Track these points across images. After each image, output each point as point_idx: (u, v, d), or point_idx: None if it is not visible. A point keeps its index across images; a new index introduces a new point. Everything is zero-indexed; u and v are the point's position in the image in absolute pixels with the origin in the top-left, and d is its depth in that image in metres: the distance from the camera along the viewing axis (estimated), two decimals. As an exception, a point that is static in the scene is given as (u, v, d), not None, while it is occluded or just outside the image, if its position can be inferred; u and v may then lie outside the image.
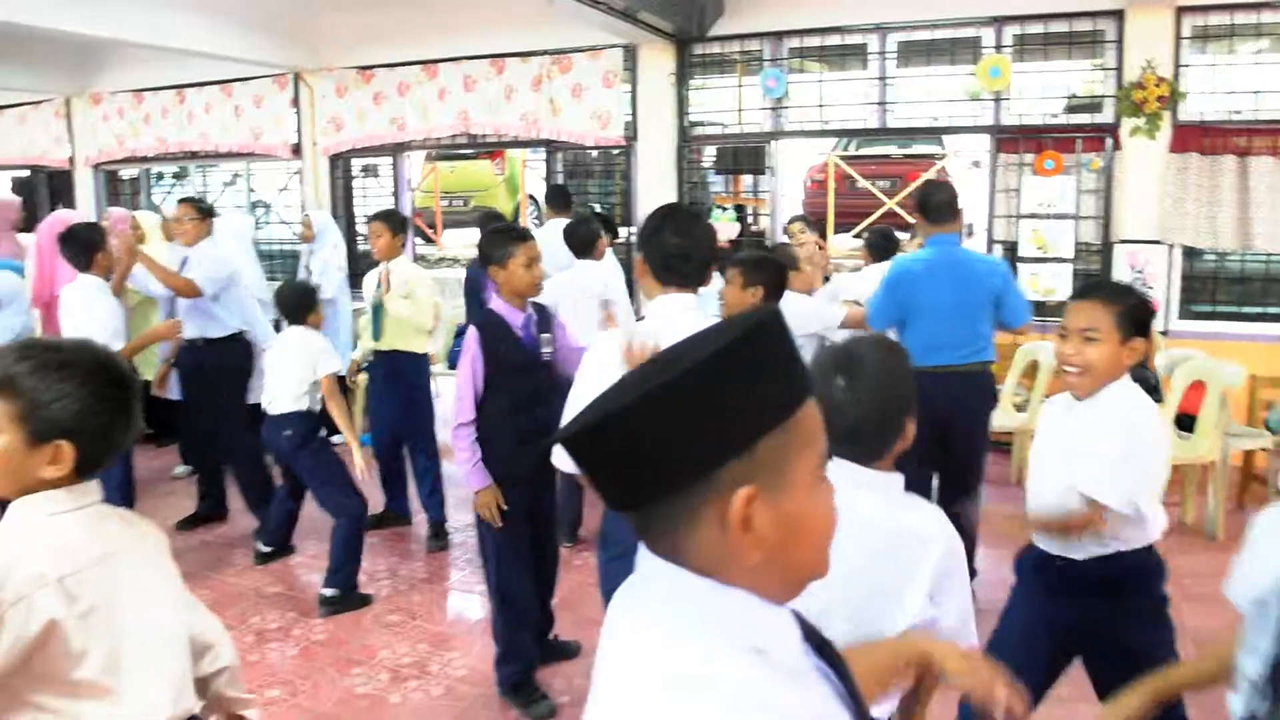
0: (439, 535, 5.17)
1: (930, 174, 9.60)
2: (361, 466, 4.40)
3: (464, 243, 10.72)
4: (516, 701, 3.53)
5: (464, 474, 3.45)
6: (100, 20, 6.50)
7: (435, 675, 3.78)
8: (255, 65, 8.12)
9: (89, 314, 4.34)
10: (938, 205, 4.20)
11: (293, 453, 4.53)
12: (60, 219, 5.65)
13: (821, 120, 7.18)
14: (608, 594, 2.76)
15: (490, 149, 10.29)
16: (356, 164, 8.86)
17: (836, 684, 0.99)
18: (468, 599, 4.52)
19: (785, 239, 6.12)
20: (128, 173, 10.33)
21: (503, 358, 3.40)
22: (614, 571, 2.70)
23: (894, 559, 1.71)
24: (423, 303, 5.21)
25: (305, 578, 4.62)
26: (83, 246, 4.55)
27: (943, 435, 4.00)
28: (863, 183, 9.94)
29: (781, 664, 0.90)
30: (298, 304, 4.58)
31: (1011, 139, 6.49)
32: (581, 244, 5.08)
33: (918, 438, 1.78)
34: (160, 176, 11.66)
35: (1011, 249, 6.48)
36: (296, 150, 8.62)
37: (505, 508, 3.41)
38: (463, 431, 3.41)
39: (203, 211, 5.25)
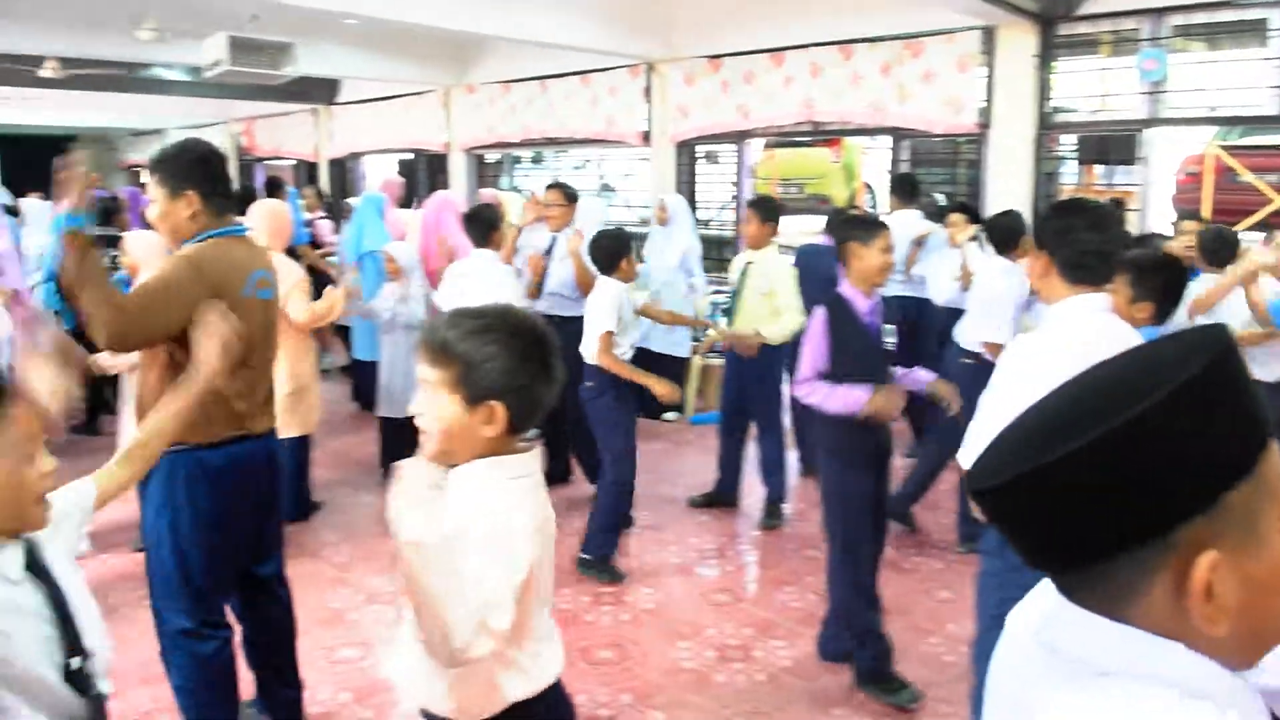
0: (774, 514, 5.22)
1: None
2: (663, 392, 4.34)
3: (798, 230, 10.69)
4: (879, 689, 3.46)
5: (835, 408, 3.32)
6: (477, 18, 7.11)
7: (759, 661, 3.80)
8: (611, 56, 8.53)
9: (485, 283, 4.80)
10: None
11: (589, 403, 4.57)
12: (448, 199, 6.34)
13: (1207, 106, 6.46)
14: (984, 604, 2.62)
15: (832, 136, 10.17)
16: (699, 150, 9.07)
17: None
18: (794, 589, 4.50)
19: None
20: (492, 156, 11.24)
21: (846, 340, 3.36)
22: (1007, 583, 2.45)
23: None
24: (782, 298, 5.11)
25: (637, 546, 4.79)
26: (485, 225, 5.13)
27: None
28: (1247, 176, 8.85)
29: None
30: (608, 253, 4.55)
31: None
32: (1004, 240, 4.81)
33: None
34: (518, 160, 12.59)
35: None
36: (646, 138, 8.95)
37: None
38: (806, 385, 3.36)
39: (569, 197, 5.59)
